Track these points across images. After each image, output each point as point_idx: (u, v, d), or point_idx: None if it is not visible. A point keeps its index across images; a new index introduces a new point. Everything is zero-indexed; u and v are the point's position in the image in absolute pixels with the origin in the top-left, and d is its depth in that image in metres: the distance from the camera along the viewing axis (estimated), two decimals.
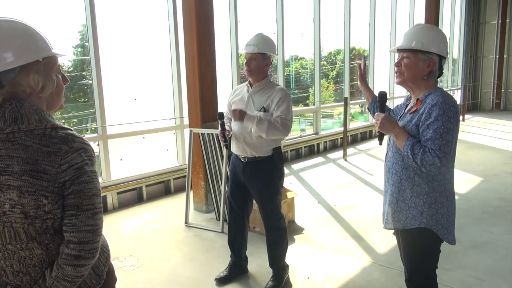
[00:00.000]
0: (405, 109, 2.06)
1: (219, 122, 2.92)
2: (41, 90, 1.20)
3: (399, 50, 1.97)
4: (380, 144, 2.05)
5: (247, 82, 2.94)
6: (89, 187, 1.18)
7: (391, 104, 9.17)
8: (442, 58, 1.93)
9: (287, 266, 3.10)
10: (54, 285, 1.20)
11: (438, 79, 2.02)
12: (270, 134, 2.74)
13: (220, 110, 4.67)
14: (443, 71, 1.99)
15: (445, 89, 1.97)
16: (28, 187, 1.12)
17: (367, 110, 10.70)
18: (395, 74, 2.00)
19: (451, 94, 2.17)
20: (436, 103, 1.80)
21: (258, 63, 2.81)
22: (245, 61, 2.84)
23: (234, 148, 2.95)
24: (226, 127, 2.95)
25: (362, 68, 2.40)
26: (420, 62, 1.90)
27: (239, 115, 2.77)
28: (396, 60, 2.00)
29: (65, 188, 1.16)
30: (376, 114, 1.99)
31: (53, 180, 1.14)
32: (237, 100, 2.94)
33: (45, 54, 1.20)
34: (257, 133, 2.75)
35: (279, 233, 2.98)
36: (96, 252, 1.22)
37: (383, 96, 2.02)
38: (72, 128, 1.23)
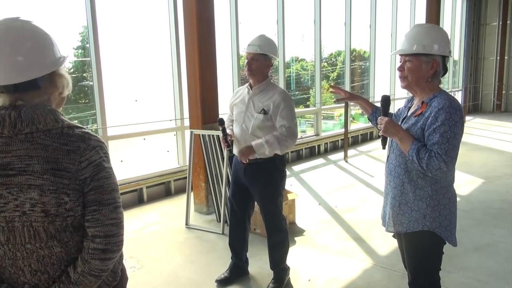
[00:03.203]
0: (408, 111, 2.04)
1: (220, 128, 2.87)
2: (62, 90, 1.25)
3: (401, 55, 1.95)
4: (384, 148, 2.03)
5: (247, 84, 2.93)
6: (108, 183, 1.22)
7: (392, 105, 9.15)
8: (445, 57, 1.91)
9: (288, 268, 3.08)
10: (80, 280, 1.21)
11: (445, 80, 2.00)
12: (284, 148, 2.73)
13: (220, 111, 4.69)
14: (447, 69, 1.97)
15: (446, 91, 1.95)
16: (50, 186, 1.14)
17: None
18: (400, 79, 1.97)
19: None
20: (443, 107, 1.78)
21: (260, 64, 2.79)
22: (246, 61, 2.83)
23: (235, 150, 2.93)
24: (228, 131, 2.91)
25: (341, 90, 2.37)
26: (423, 65, 1.88)
27: (246, 153, 2.72)
28: (398, 64, 1.97)
29: (85, 185, 1.18)
30: (379, 118, 1.96)
31: (74, 177, 1.16)
32: (238, 102, 2.93)
33: (65, 55, 1.25)
34: (273, 152, 2.72)
35: (281, 235, 2.97)
36: (121, 245, 1.25)
37: (386, 99, 1.99)
38: (85, 127, 1.25)
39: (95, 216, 1.19)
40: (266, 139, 2.70)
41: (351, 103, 8.64)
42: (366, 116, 2.43)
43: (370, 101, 2.42)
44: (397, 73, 2.00)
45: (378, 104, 2.29)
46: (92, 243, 1.20)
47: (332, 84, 2.51)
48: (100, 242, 1.20)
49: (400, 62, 1.95)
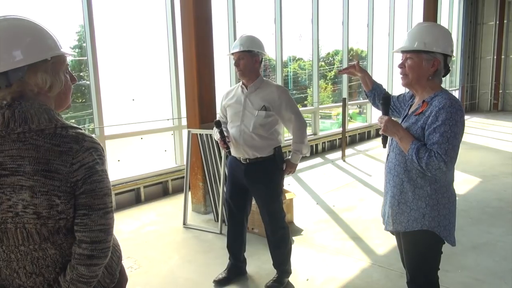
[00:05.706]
0: (408, 109, 2.03)
1: (217, 130, 2.79)
2: (48, 90, 1.19)
3: (402, 52, 1.94)
4: (384, 147, 2.03)
5: (240, 84, 2.88)
6: (101, 187, 1.18)
7: None
8: (447, 57, 1.89)
9: (290, 272, 3.06)
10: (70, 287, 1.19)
11: (442, 79, 1.99)
12: (306, 137, 2.91)
13: (218, 111, 4.66)
14: (449, 69, 1.95)
15: (447, 90, 1.94)
16: (41, 187, 1.11)
17: (363, 103, 10.67)
18: (400, 76, 1.96)
19: None
20: (444, 107, 1.77)
21: (247, 62, 2.76)
22: (234, 63, 2.81)
23: (233, 151, 2.89)
24: (224, 133, 2.84)
25: (350, 68, 2.37)
26: (424, 62, 1.86)
27: (294, 170, 2.97)
28: (400, 62, 1.96)
29: (77, 187, 1.15)
30: (379, 117, 1.95)
31: (65, 179, 1.13)
32: (232, 103, 2.87)
33: (54, 53, 1.19)
34: (307, 148, 2.95)
35: (283, 232, 2.95)
36: (108, 252, 1.22)
37: (386, 98, 1.99)
38: (81, 127, 1.22)
39: (83, 221, 1.16)
40: (295, 149, 2.89)
41: (348, 103, 8.68)
42: (364, 91, 2.41)
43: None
44: (395, 72, 1.99)
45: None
46: (78, 248, 1.18)
47: (339, 70, 2.51)
48: (86, 247, 1.17)
49: (402, 59, 1.94)
